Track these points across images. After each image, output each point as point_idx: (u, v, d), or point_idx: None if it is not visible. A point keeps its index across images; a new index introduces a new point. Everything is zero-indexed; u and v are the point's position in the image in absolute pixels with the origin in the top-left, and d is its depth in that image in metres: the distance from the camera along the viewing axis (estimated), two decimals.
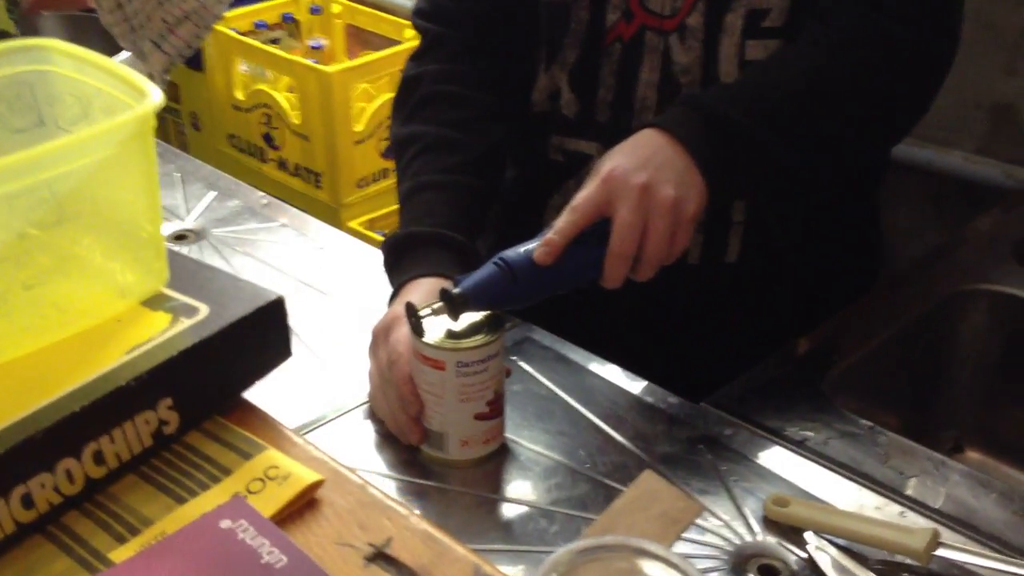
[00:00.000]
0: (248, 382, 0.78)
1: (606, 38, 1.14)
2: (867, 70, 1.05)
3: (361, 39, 2.56)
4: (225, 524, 0.65)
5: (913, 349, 1.20)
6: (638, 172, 0.95)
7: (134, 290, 0.79)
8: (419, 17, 1.26)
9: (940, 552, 0.86)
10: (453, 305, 0.93)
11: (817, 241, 1.21)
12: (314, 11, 2.58)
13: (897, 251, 1.64)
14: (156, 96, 0.72)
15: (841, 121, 1.06)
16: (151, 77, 1.37)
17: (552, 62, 1.17)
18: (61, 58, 0.80)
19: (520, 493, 0.96)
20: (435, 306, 0.94)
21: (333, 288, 1.24)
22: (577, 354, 1.12)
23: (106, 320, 0.77)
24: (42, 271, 0.75)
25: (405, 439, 1.00)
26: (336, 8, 2.58)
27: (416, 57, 1.24)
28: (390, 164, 2.41)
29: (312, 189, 2.43)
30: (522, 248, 0.96)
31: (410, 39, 2.36)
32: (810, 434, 1.01)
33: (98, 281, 0.79)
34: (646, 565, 0.50)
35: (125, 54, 1.69)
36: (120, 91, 0.75)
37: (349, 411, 1.05)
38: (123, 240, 0.80)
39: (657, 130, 0.99)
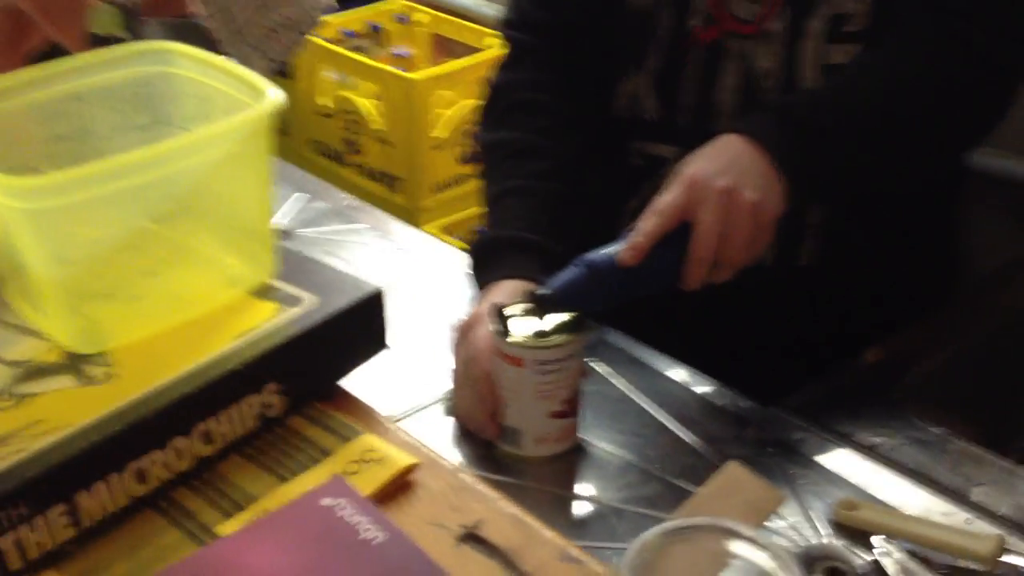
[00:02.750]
0: (347, 369, 0.82)
1: (688, 43, 1.16)
2: (948, 78, 1.07)
3: (445, 47, 2.60)
4: (326, 502, 0.69)
5: (989, 361, 1.20)
6: (720, 176, 0.97)
7: (244, 280, 0.83)
8: (507, 27, 1.29)
9: (1006, 558, 0.87)
10: (539, 306, 0.96)
11: (892, 249, 1.22)
12: (400, 20, 2.63)
13: (975, 262, 1.62)
14: (274, 95, 0.76)
15: (921, 129, 1.08)
16: None
17: (635, 67, 1.20)
18: (183, 60, 0.84)
19: (592, 491, 0.98)
20: (522, 306, 0.97)
21: (414, 288, 1.27)
22: (650, 356, 1.14)
23: (218, 308, 0.81)
24: (160, 260, 0.79)
25: (482, 435, 1.02)
26: (421, 17, 2.62)
27: (505, 66, 1.27)
28: (467, 169, 2.44)
29: (390, 193, 2.46)
30: (606, 251, 0.98)
31: (490, 47, 2.40)
32: (880, 440, 1.02)
33: (211, 271, 0.83)
34: (735, 545, 0.52)
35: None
36: (239, 91, 0.79)
37: (428, 406, 1.08)
38: (236, 233, 0.84)
39: (738, 135, 1.01)
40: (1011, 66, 1.11)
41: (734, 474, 0.61)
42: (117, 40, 0.96)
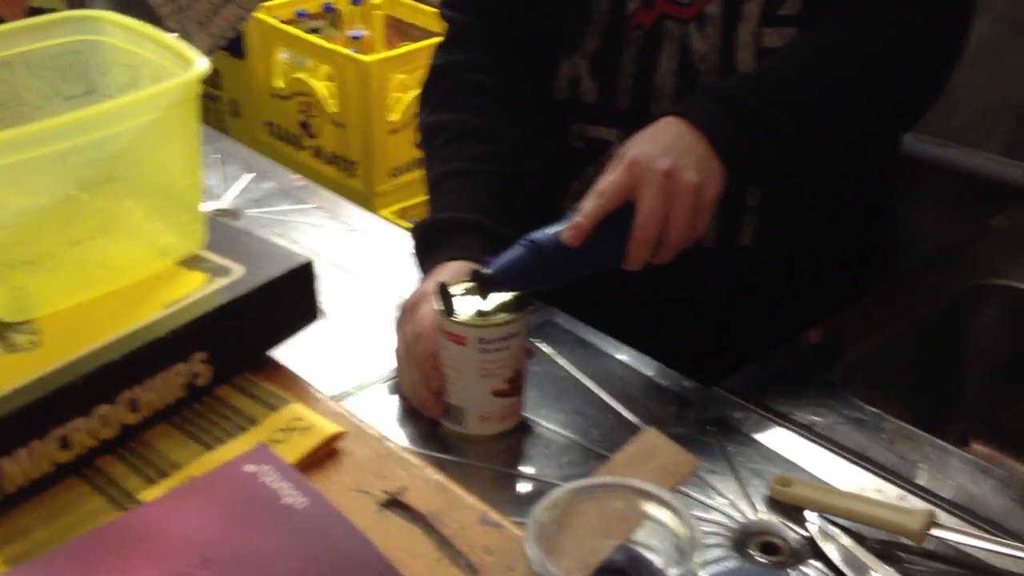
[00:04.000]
0: (277, 340, 0.82)
1: (627, 25, 1.17)
2: (884, 59, 1.08)
3: (400, 30, 2.59)
4: (249, 468, 0.69)
5: (925, 342, 1.21)
6: (661, 158, 0.98)
7: (173, 250, 0.82)
8: (446, 7, 1.28)
9: (936, 532, 0.88)
10: (483, 285, 0.96)
11: (829, 229, 1.24)
12: (355, 2, 2.62)
13: (920, 249, 1.65)
14: (202, 64, 0.76)
15: (858, 109, 1.09)
16: None
17: (574, 50, 1.20)
18: (112, 28, 0.83)
19: (535, 469, 0.98)
20: (466, 286, 0.97)
21: (363, 269, 1.27)
22: (596, 337, 1.15)
23: (146, 278, 0.81)
24: (87, 229, 0.79)
25: (427, 413, 1.02)
26: None
27: (444, 47, 1.27)
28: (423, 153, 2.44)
29: (346, 177, 2.46)
30: (550, 230, 0.98)
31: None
32: (818, 419, 1.03)
33: (140, 241, 0.83)
34: (642, 504, 0.53)
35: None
36: (169, 61, 0.79)
37: (373, 385, 1.08)
38: (165, 203, 0.84)
39: (678, 118, 1.02)
40: (945, 48, 1.12)
41: (650, 440, 0.61)
42: (52, 11, 0.95)
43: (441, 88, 1.23)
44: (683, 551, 0.54)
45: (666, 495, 0.51)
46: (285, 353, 0.83)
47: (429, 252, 1.10)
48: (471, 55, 1.23)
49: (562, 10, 1.20)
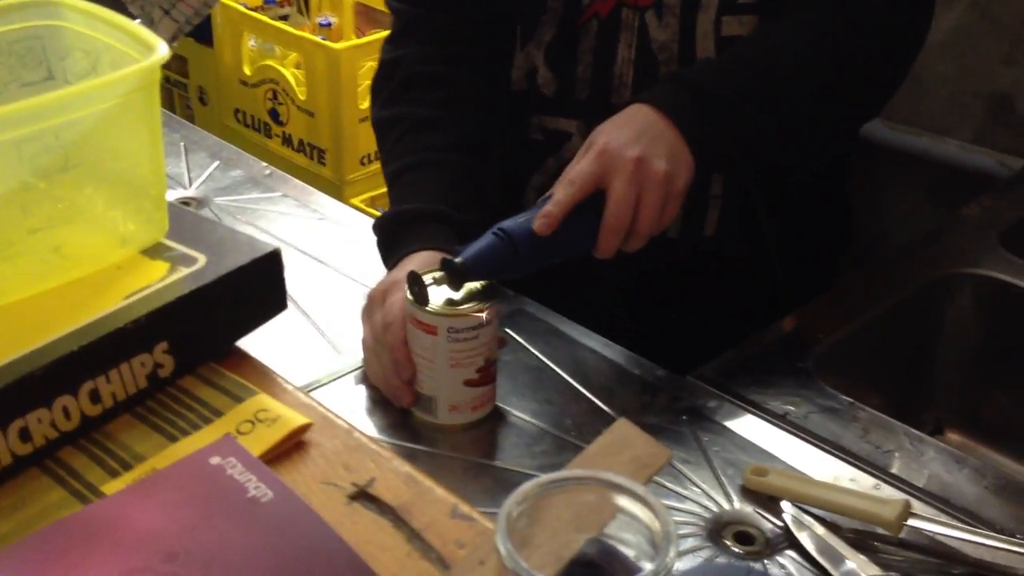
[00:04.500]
0: (243, 331, 0.80)
1: (583, 15, 1.16)
2: (847, 46, 1.08)
3: (369, 17, 2.57)
4: (214, 461, 0.67)
5: (898, 331, 1.22)
6: (631, 146, 0.97)
7: (135, 239, 0.81)
8: None
9: (911, 522, 0.87)
10: (453, 274, 0.95)
11: (792, 214, 1.24)
12: None
13: (891, 237, 1.66)
14: (163, 50, 0.74)
15: (823, 96, 1.09)
16: None
17: (528, 40, 1.19)
18: (72, 13, 0.82)
19: (507, 458, 0.98)
20: (436, 275, 0.96)
21: (331, 257, 1.26)
22: (568, 326, 1.14)
23: (107, 267, 0.79)
24: (46, 217, 0.77)
25: (397, 402, 1.01)
26: None
27: (392, 39, 1.25)
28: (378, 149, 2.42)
29: (316, 165, 2.44)
30: (520, 219, 0.97)
31: None
32: (792, 408, 1.03)
33: (100, 229, 0.81)
34: (614, 497, 0.52)
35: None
36: (129, 46, 0.77)
37: (342, 376, 1.07)
38: (125, 190, 0.82)
39: (647, 105, 1.01)
40: (910, 32, 1.12)
41: (622, 431, 0.60)
42: None
43: (392, 82, 1.21)
44: (657, 545, 0.53)
45: (639, 489, 0.50)
46: (251, 343, 0.81)
47: (394, 245, 1.09)
48: (422, 48, 1.21)
49: (514, 0, 1.18)
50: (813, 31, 1.08)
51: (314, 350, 1.11)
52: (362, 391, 1.06)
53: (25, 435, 0.70)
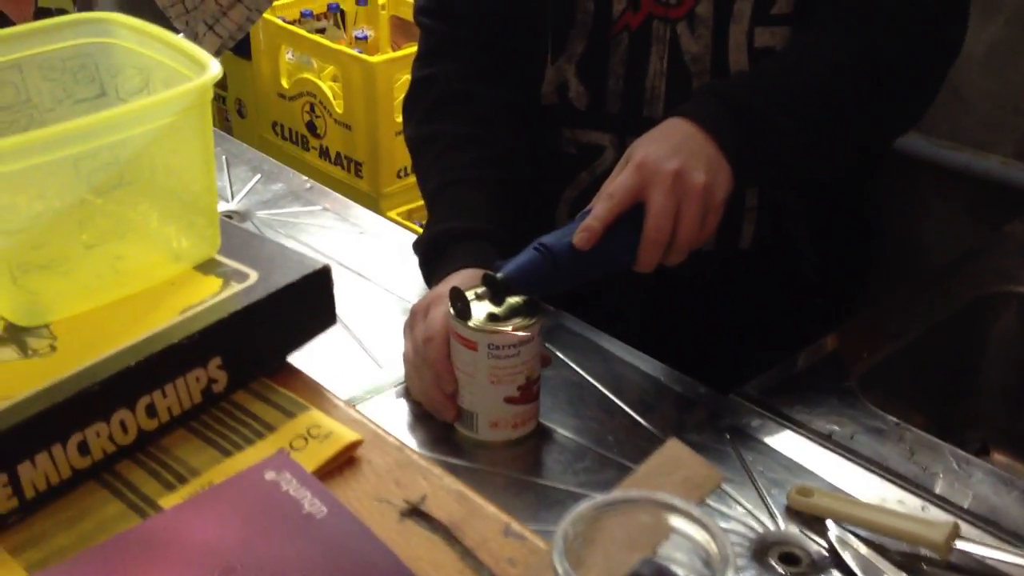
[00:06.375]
0: (294, 346, 0.81)
1: (613, 28, 1.15)
2: (882, 56, 1.08)
3: (405, 31, 2.58)
4: (269, 476, 0.68)
5: (942, 350, 1.21)
6: (670, 159, 0.97)
7: (188, 255, 0.82)
8: (424, 16, 1.26)
9: (959, 545, 0.87)
10: (495, 289, 0.95)
11: (826, 227, 1.24)
12: (360, 2, 2.61)
13: (932, 254, 1.65)
14: (215, 68, 0.75)
15: (859, 107, 1.09)
16: None
17: (559, 54, 1.18)
18: (124, 31, 0.83)
19: (550, 475, 0.98)
20: (479, 291, 0.97)
21: (372, 271, 1.27)
22: (607, 341, 1.14)
23: (161, 282, 0.80)
24: (102, 233, 0.78)
25: (439, 416, 1.02)
26: None
27: (423, 58, 1.25)
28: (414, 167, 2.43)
29: (353, 178, 2.45)
30: (561, 233, 0.98)
31: None
32: (836, 428, 1.02)
33: (154, 245, 0.82)
34: (670, 518, 0.52)
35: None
36: (180, 64, 0.78)
37: (384, 391, 1.07)
38: (179, 207, 0.83)
39: (683, 119, 1.02)
40: (943, 44, 1.12)
41: (674, 452, 0.60)
42: (63, 12, 0.95)
43: (427, 100, 1.22)
44: (713, 567, 0.53)
45: (694, 510, 0.51)
46: (294, 357, 0.82)
47: (437, 264, 1.09)
48: (456, 64, 1.21)
49: (544, 15, 1.18)
50: (847, 42, 1.08)
51: (356, 364, 1.11)
52: (403, 405, 1.06)
53: (84, 448, 0.70)
